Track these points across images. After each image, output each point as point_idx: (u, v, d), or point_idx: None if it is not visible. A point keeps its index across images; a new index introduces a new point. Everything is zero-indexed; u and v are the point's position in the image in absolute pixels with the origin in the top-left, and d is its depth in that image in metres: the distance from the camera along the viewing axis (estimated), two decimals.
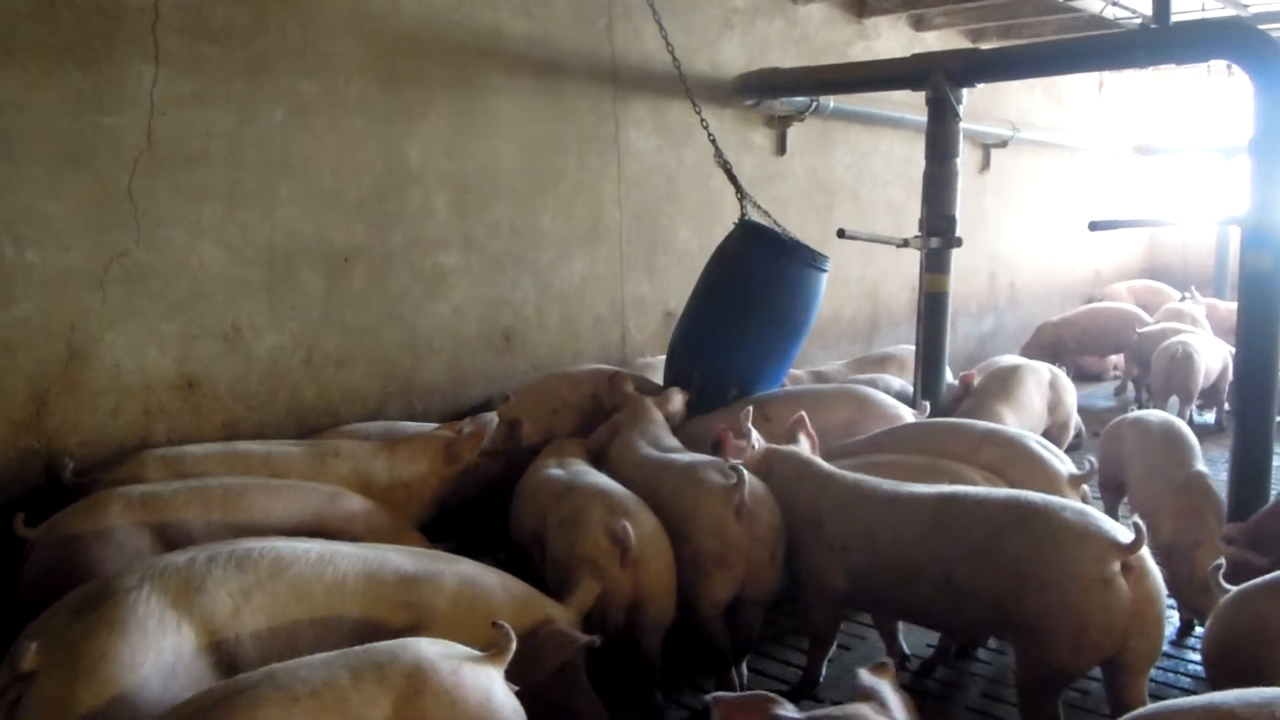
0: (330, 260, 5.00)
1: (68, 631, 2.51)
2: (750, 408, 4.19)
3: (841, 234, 5.57)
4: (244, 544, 2.91)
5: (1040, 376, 5.94)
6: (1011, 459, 4.26)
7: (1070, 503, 3.31)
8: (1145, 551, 3.11)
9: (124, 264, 4.30)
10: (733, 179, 5.48)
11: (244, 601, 2.73)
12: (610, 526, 3.45)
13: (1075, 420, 6.20)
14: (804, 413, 4.31)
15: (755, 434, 4.12)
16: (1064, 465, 4.28)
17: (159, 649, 2.54)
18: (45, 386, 4.12)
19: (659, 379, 5.51)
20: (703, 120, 5.55)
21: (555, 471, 4.05)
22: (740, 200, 5.48)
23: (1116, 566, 3.04)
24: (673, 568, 3.61)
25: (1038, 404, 5.76)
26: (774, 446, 4.06)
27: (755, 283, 5.15)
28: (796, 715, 2.30)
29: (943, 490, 3.56)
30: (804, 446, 4.12)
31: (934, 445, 4.40)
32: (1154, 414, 5.15)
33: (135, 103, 4.28)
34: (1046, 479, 4.11)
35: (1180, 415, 7.61)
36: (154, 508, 3.44)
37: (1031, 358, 7.81)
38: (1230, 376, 7.65)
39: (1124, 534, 3.12)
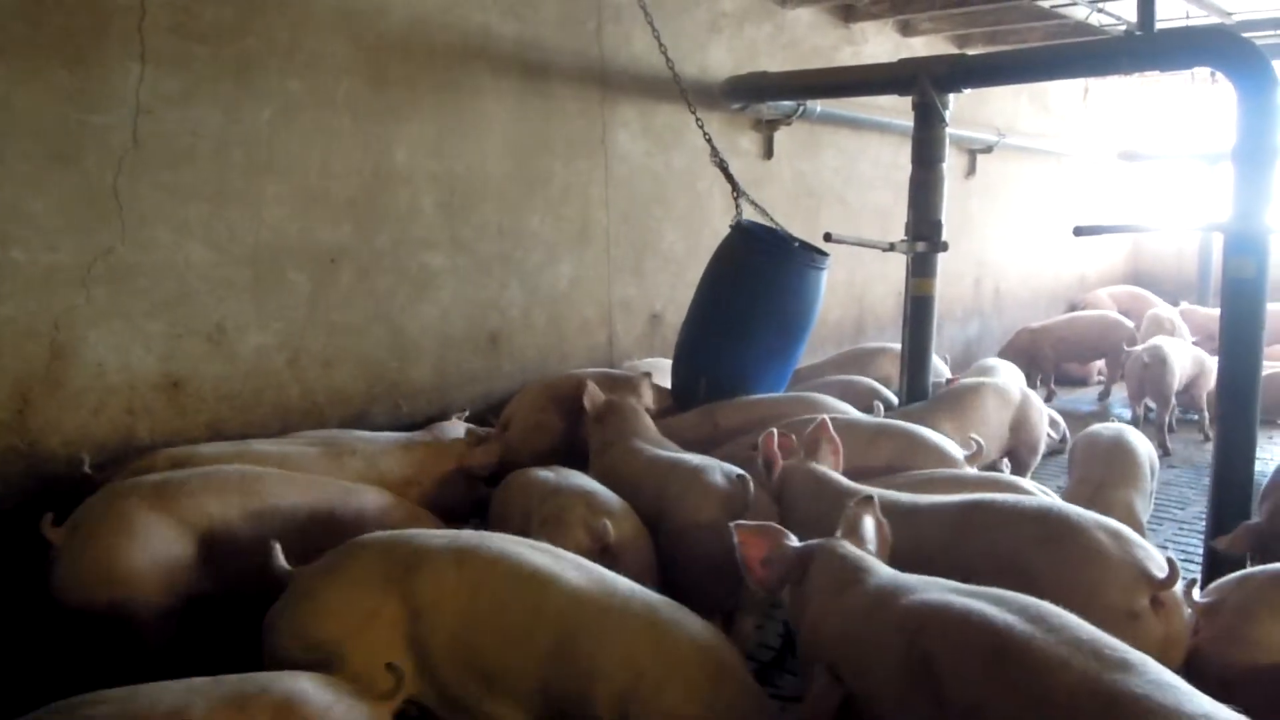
0: (317, 260, 4.99)
1: (310, 571, 2.90)
2: (775, 430, 4.03)
3: (828, 238, 5.58)
4: (484, 540, 2.89)
5: (1006, 396, 5.54)
6: (909, 449, 4.29)
7: (1106, 522, 3.10)
8: (1178, 587, 2.93)
9: (109, 262, 4.28)
10: (729, 177, 5.47)
11: (445, 595, 2.75)
12: (590, 524, 3.49)
13: (1042, 444, 5.68)
14: (827, 417, 4.11)
15: (778, 456, 3.97)
16: (957, 449, 4.40)
17: (371, 608, 2.77)
18: (29, 386, 4.09)
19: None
20: (698, 120, 5.54)
21: (544, 473, 4.04)
22: (736, 199, 5.47)
23: (1146, 600, 2.86)
24: (653, 569, 3.60)
25: (994, 423, 5.32)
26: (790, 463, 3.87)
27: (754, 286, 5.14)
28: (799, 544, 2.90)
29: (966, 499, 3.40)
30: (826, 453, 3.92)
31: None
32: (1107, 428, 5.15)
33: (122, 101, 4.26)
34: (947, 463, 4.24)
35: (1159, 420, 7.66)
36: (170, 497, 3.49)
37: (1008, 360, 7.85)
38: (1208, 381, 7.71)
39: (1158, 565, 2.93)
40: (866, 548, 2.92)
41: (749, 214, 5.59)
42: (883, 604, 2.60)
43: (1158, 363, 7.51)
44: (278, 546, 2.95)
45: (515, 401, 5.21)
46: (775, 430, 3.93)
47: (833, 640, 2.68)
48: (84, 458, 4.04)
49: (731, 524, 3.06)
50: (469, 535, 2.91)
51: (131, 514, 3.40)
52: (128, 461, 4.06)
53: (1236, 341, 4.44)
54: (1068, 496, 4.54)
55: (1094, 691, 2.08)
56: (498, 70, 5.68)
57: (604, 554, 3.43)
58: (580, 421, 4.85)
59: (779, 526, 3.02)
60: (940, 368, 6.90)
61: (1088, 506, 4.06)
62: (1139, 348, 7.89)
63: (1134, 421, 7.48)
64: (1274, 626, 2.89)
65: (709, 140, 5.48)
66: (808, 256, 5.24)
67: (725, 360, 5.16)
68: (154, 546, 3.38)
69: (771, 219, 5.57)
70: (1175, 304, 10.39)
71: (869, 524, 3.01)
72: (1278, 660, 2.85)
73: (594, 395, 4.69)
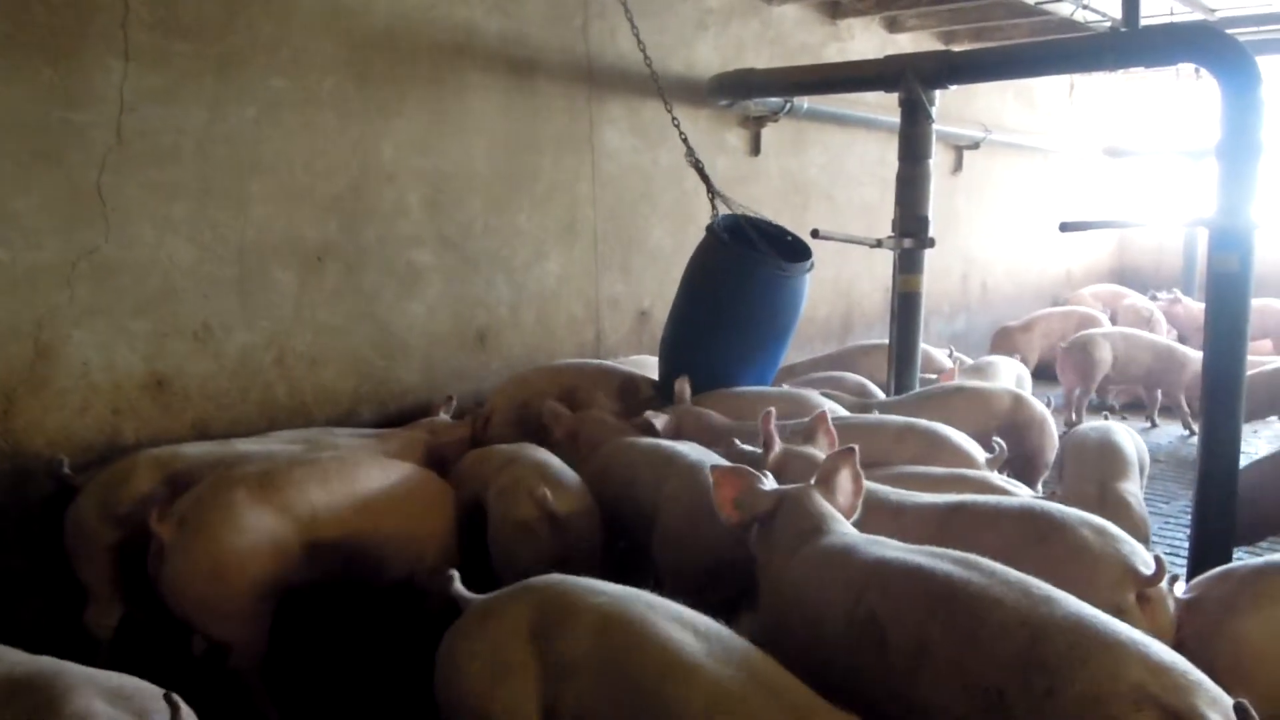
0: (303, 258, 4.97)
1: (476, 607, 2.75)
2: (773, 410, 4.02)
3: (815, 234, 5.58)
4: (642, 609, 2.53)
5: (988, 403, 5.08)
6: (932, 448, 4.26)
7: (1091, 519, 3.10)
8: (1164, 584, 2.92)
9: (93, 261, 4.25)
10: (705, 178, 5.43)
11: (579, 662, 2.48)
12: (534, 492, 3.68)
13: (1045, 455, 5.12)
14: (826, 409, 4.08)
15: (775, 437, 3.99)
16: (980, 452, 4.33)
17: (512, 661, 2.62)
18: (12, 385, 4.07)
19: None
20: (674, 119, 5.51)
21: (502, 447, 4.25)
22: (712, 200, 5.44)
23: (1132, 597, 2.86)
24: (599, 546, 3.81)
25: (967, 431, 4.62)
26: (791, 448, 3.82)
27: (722, 291, 5.07)
28: (771, 487, 3.06)
29: (950, 499, 3.38)
30: (822, 445, 3.85)
31: (854, 441, 4.23)
32: (1094, 427, 5.11)
33: (105, 98, 4.24)
34: (968, 464, 4.21)
35: (1078, 404, 7.92)
36: (276, 488, 3.56)
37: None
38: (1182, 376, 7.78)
39: (1145, 561, 2.92)
40: (837, 499, 3.07)
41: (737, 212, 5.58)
42: (833, 561, 2.77)
43: (1076, 349, 7.88)
44: (456, 575, 2.84)
45: (495, 395, 5.20)
46: (773, 410, 3.87)
47: (790, 593, 2.85)
48: (63, 460, 4.01)
49: (708, 465, 3.21)
50: (629, 597, 2.56)
51: (240, 506, 3.45)
52: (113, 461, 4.04)
53: (1221, 336, 4.46)
54: (1068, 497, 4.50)
55: (1024, 621, 2.31)
56: (484, 67, 5.67)
57: (553, 525, 3.63)
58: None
59: (753, 470, 3.14)
60: (943, 361, 6.91)
61: (1095, 505, 4.09)
62: (1072, 338, 8.09)
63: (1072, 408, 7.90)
64: (1257, 621, 2.91)
65: (684, 139, 5.43)
66: (777, 263, 5.12)
67: (699, 360, 5.09)
68: (262, 538, 3.45)
69: (748, 218, 5.49)
70: (1154, 298, 10.45)
71: (845, 476, 3.13)
72: (1261, 654, 2.87)
73: (556, 415, 4.70)
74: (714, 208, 5.43)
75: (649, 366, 5.82)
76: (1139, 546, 3.02)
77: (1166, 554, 4.96)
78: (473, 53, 5.60)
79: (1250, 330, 4.53)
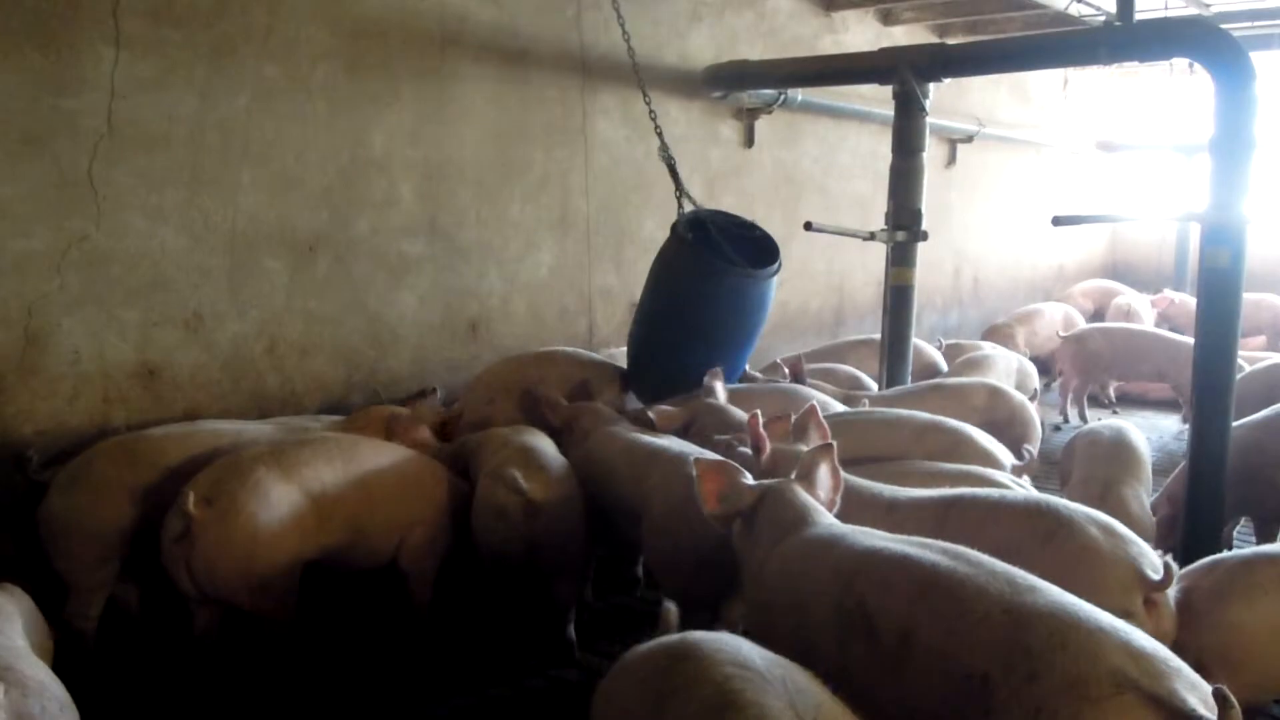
0: (294, 247, 4.95)
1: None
2: (759, 411, 3.96)
3: (808, 227, 5.58)
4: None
5: (971, 401, 5.11)
6: (956, 448, 4.18)
7: (1099, 517, 3.04)
8: (1170, 589, 2.89)
9: (83, 249, 4.24)
10: (674, 175, 5.29)
11: None
12: (505, 477, 3.74)
13: (1034, 448, 4.90)
14: (815, 403, 4.10)
15: (765, 439, 3.97)
16: (1007, 455, 4.24)
17: None
18: (2, 373, 4.05)
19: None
20: (651, 112, 5.40)
21: (503, 430, 4.33)
22: (679, 198, 5.28)
23: (1140, 601, 2.84)
24: (578, 535, 3.88)
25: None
26: (780, 446, 3.76)
27: (685, 294, 5.00)
28: (753, 483, 3.08)
29: (946, 494, 3.31)
30: (814, 439, 3.78)
31: (874, 438, 4.22)
32: (1108, 426, 5.10)
33: (95, 86, 4.22)
34: (992, 465, 4.09)
35: (1076, 398, 8.08)
36: (292, 467, 3.65)
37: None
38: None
39: (1153, 565, 2.89)
40: (817, 493, 3.09)
41: (729, 205, 5.55)
42: (821, 552, 2.79)
43: (1071, 342, 8.15)
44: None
45: (467, 393, 5.16)
46: (759, 411, 3.80)
47: (775, 584, 2.88)
48: (31, 456, 3.94)
49: (691, 458, 3.23)
50: (807, 690, 2.11)
51: (266, 482, 3.52)
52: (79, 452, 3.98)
53: (1212, 331, 4.47)
54: (1073, 496, 4.47)
55: (1007, 609, 2.34)
56: (476, 57, 5.65)
57: (527, 511, 3.70)
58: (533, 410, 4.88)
59: (735, 464, 3.16)
60: (935, 358, 6.91)
61: (1099, 506, 4.06)
62: (1070, 331, 8.36)
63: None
64: (1246, 609, 2.93)
65: (659, 133, 5.33)
66: (741, 269, 5.02)
67: (663, 359, 5.06)
68: (287, 511, 3.54)
69: (714, 214, 5.39)
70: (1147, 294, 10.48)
71: (824, 471, 3.15)
72: (1250, 644, 2.88)
73: (554, 406, 4.71)
74: (680, 205, 5.33)
75: None
76: (1146, 548, 2.98)
77: (1153, 547, 4.96)
78: (465, 42, 5.58)
79: (1243, 326, 4.54)
